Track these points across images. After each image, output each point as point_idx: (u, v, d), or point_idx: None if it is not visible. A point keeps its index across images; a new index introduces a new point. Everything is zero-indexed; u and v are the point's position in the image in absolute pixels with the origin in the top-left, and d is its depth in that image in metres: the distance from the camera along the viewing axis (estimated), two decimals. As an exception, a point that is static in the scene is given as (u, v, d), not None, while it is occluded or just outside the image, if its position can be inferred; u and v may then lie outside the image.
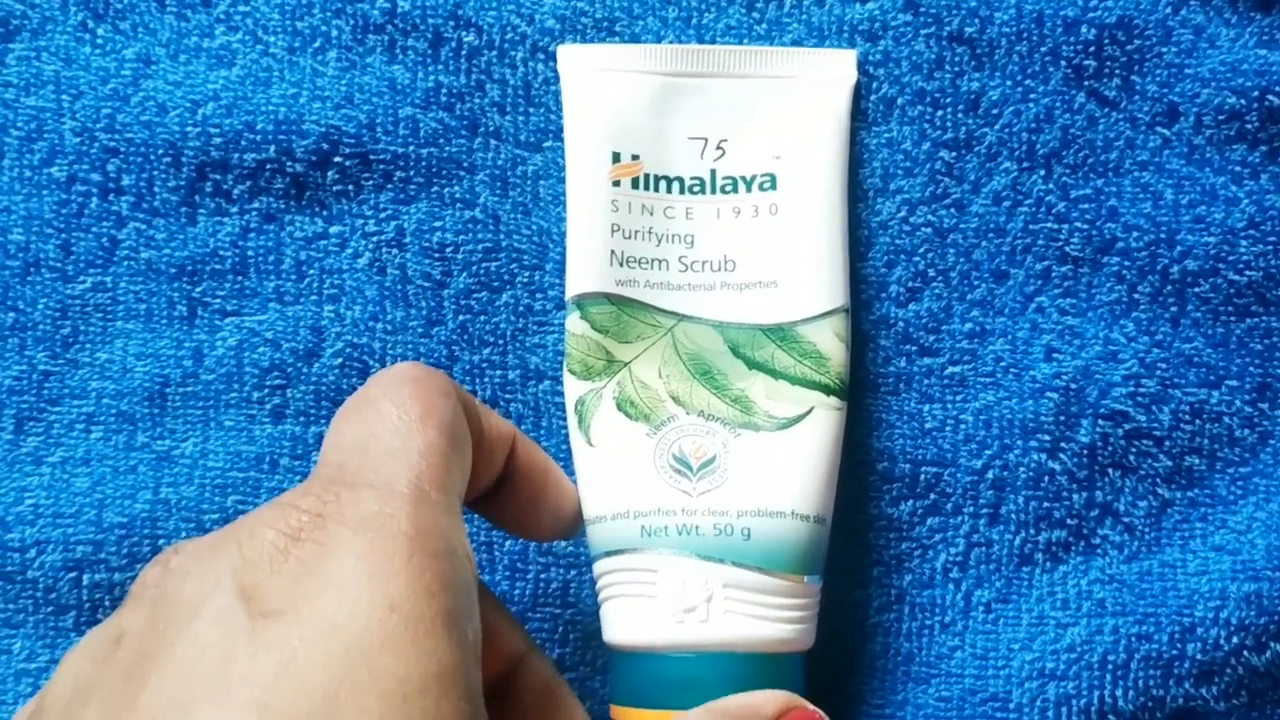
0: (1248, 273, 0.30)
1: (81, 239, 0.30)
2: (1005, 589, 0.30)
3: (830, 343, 0.28)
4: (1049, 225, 0.30)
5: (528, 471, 0.22)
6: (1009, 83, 0.31)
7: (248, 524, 0.18)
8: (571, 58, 0.30)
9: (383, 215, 0.30)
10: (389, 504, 0.17)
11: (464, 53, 0.31)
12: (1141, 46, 0.30)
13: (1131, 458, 0.30)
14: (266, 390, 0.30)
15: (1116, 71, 0.31)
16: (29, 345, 0.30)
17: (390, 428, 0.19)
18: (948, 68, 0.31)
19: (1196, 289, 0.30)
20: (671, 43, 0.31)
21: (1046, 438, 0.30)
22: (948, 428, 0.30)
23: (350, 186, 0.30)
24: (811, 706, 0.22)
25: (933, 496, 0.30)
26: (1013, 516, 0.30)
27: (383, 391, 0.19)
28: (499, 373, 0.30)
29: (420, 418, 0.19)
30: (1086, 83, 0.31)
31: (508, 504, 0.22)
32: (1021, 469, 0.30)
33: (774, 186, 0.30)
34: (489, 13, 0.31)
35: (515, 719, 0.22)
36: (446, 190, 0.31)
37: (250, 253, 0.30)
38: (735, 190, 0.30)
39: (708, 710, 0.22)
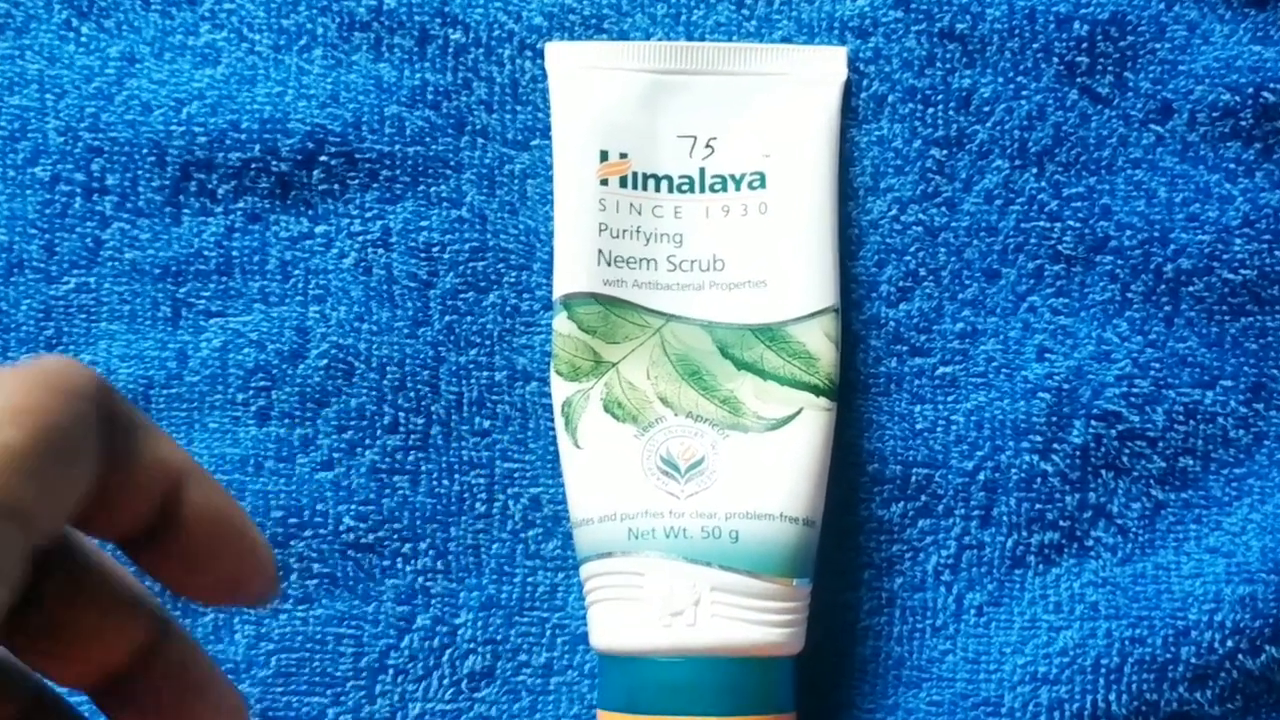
0: (1242, 271, 0.30)
1: (65, 239, 0.30)
2: (997, 592, 0.29)
3: (820, 343, 0.28)
4: (1041, 224, 0.30)
5: (196, 520, 0.18)
6: (1001, 80, 0.30)
7: None
8: (559, 55, 0.30)
9: (368, 215, 0.30)
10: None
11: (451, 50, 0.31)
12: (1134, 43, 0.30)
13: (1125, 459, 0.29)
14: (251, 392, 0.30)
15: (1109, 68, 0.30)
16: (12, 346, 0.30)
17: None
18: (939, 65, 0.30)
19: (1190, 288, 0.30)
20: (660, 40, 0.31)
21: (1039, 439, 0.29)
22: (939, 429, 0.30)
23: (336, 186, 0.30)
24: None
25: (924, 498, 0.30)
26: (1004, 518, 0.29)
27: None
28: (486, 373, 0.30)
29: (8, 411, 0.15)
30: (1079, 79, 0.30)
31: (166, 553, 0.18)
32: (1013, 470, 0.29)
33: (763, 185, 0.29)
34: (476, 10, 0.31)
35: (148, 706, 0.18)
36: (433, 189, 0.30)
37: (235, 253, 0.30)
38: (724, 189, 0.29)
39: None
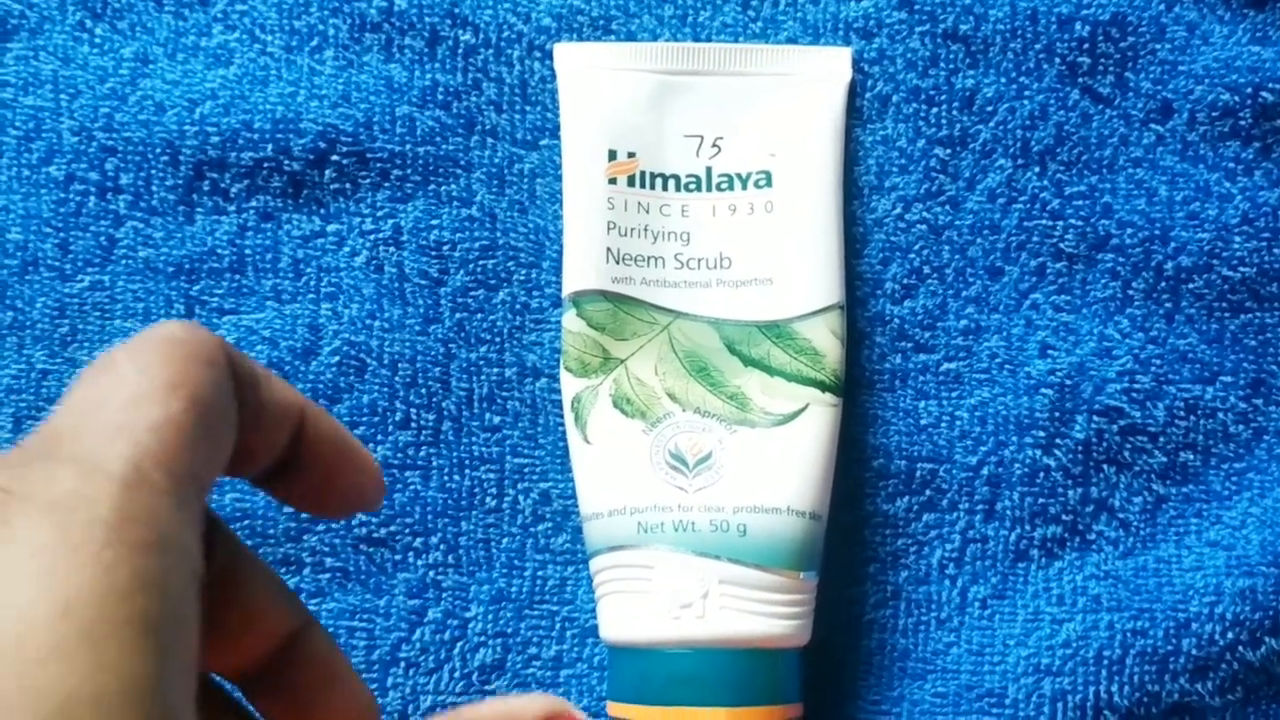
0: (1241, 269, 0.30)
1: (79, 238, 0.30)
2: (1001, 585, 0.30)
3: (826, 339, 0.29)
4: (1043, 222, 0.30)
5: (318, 448, 0.19)
6: (1003, 80, 0.31)
7: None
8: (568, 56, 0.31)
9: (380, 213, 0.31)
10: (90, 484, 0.15)
11: (461, 51, 0.31)
12: (1135, 43, 0.31)
13: (1126, 454, 0.30)
14: (264, 388, 0.30)
15: (1110, 68, 0.31)
16: (27, 344, 0.30)
17: (125, 396, 0.16)
18: (942, 65, 0.31)
19: (1191, 285, 0.30)
20: (667, 41, 0.31)
21: (1041, 434, 0.30)
22: (943, 424, 0.30)
23: (347, 185, 0.31)
24: (576, 711, 0.20)
25: (928, 493, 0.30)
26: (1008, 512, 0.30)
27: (130, 353, 0.16)
28: (496, 370, 0.30)
29: (166, 386, 0.16)
30: (1081, 79, 0.31)
31: (296, 481, 0.19)
32: (1017, 465, 0.30)
33: (769, 184, 0.30)
34: (485, 11, 0.31)
35: (292, 697, 0.20)
36: (443, 188, 0.31)
37: (248, 251, 0.30)
38: (731, 187, 0.30)
39: (456, 716, 0.19)
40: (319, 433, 0.19)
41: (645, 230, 0.29)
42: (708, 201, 0.30)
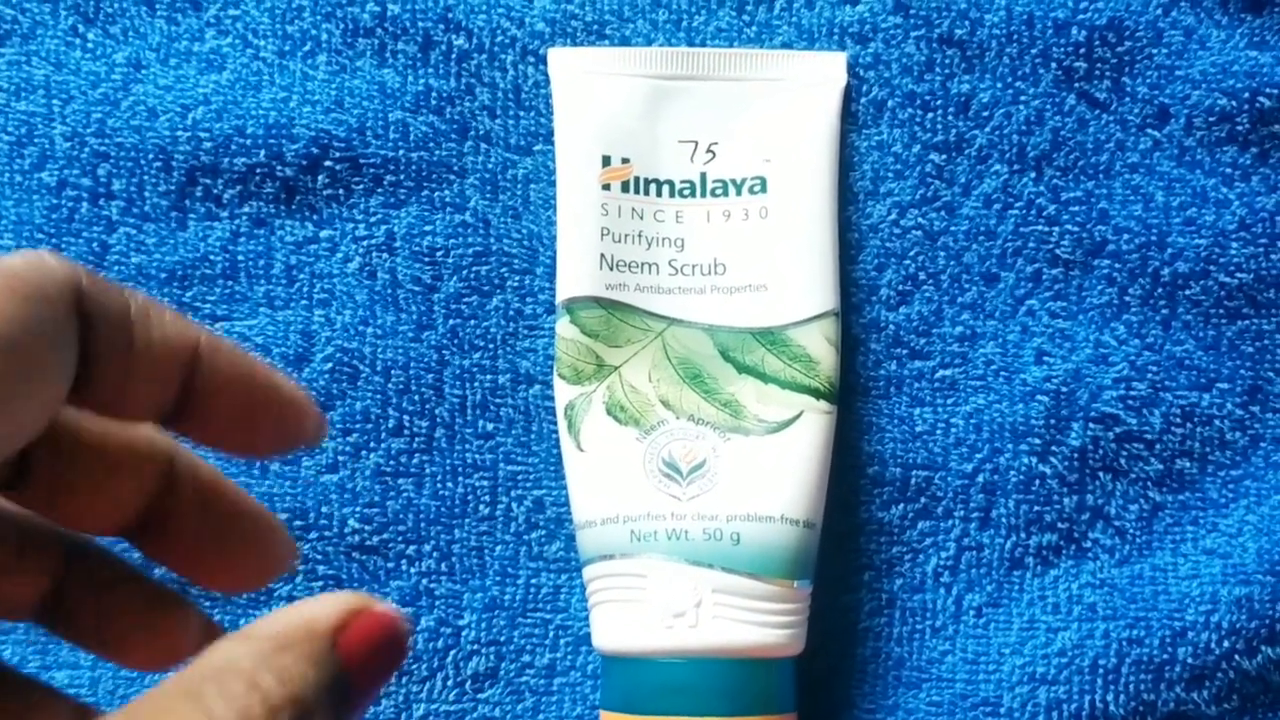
0: (1238, 275, 0.30)
1: (72, 244, 0.30)
2: (996, 593, 0.29)
3: (820, 346, 0.28)
4: (1039, 228, 0.30)
5: (225, 385, 0.17)
6: (999, 85, 0.30)
7: None
8: (562, 61, 0.30)
9: (373, 219, 0.30)
10: None
11: (454, 56, 0.31)
12: (1132, 48, 0.30)
13: (1122, 461, 0.30)
14: (257, 395, 0.30)
15: (1107, 73, 0.30)
16: (19, 350, 0.30)
17: None
18: (938, 70, 0.31)
19: (1187, 291, 0.30)
20: (661, 46, 0.31)
21: (1037, 441, 0.30)
22: (938, 431, 0.30)
23: (340, 190, 0.30)
24: (386, 608, 0.16)
25: (923, 500, 0.30)
26: (1003, 520, 0.30)
27: None
28: (489, 377, 0.30)
29: None
30: (1077, 85, 0.30)
31: (206, 422, 0.17)
32: (1012, 472, 0.30)
33: (764, 189, 0.30)
34: (479, 16, 0.31)
35: (185, 544, 0.18)
36: (436, 194, 0.31)
37: (240, 257, 0.30)
38: (725, 193, 0.30)
39: (244, 637, 0.15)
40: (222, 369, 0.17)
41: (639, 236, 0.29)
42: (702, 207, 0.30)
